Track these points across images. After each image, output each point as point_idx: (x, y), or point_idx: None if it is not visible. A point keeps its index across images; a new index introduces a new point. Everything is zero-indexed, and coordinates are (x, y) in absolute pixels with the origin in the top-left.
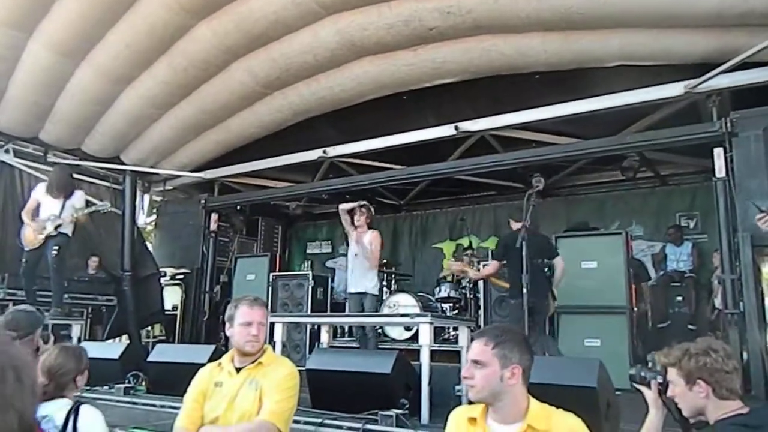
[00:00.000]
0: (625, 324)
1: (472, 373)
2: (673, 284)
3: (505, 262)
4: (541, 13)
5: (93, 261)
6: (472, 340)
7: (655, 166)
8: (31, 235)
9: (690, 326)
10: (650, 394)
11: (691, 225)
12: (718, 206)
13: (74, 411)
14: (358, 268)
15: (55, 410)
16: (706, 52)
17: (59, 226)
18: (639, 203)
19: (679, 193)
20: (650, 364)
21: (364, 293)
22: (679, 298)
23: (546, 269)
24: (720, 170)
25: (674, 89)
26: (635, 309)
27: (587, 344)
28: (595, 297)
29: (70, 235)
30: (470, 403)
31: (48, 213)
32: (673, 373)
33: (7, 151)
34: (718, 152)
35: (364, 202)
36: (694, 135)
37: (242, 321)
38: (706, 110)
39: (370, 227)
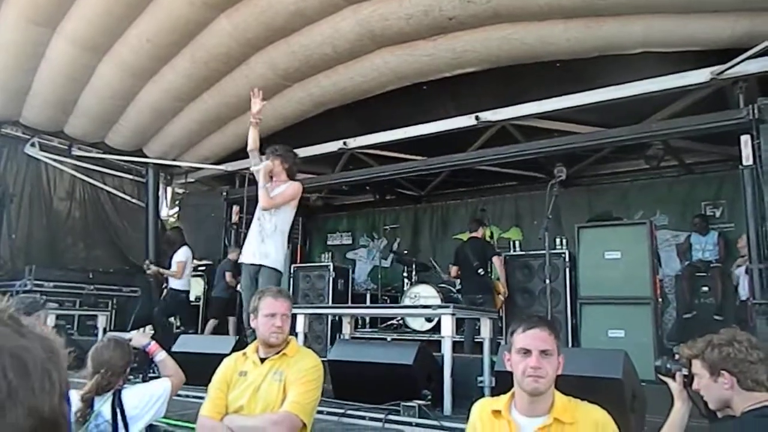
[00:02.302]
0: (650, 315)
1: (542, 364)
2: (698, 274)
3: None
4: (561, 1)
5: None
6: (527, 329)
7: (679, 154)
8: None
9: (716, 317)
10: (675, 386)
11: (717, 214)
12: (745, 195)
13: (118, 400)
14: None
15: (102, 404)
16: (732, 37)
17: None
18: (664, 192)
19: (704, 181)
20: (676, 356)
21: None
22: (705, 289)
23: (480, 270)
24: (747, 158)
25: (700, 76)
26: (660, 300)
27: (611, 335)
28: (618, 288)
29: None
30: (493, 394)
31: None
32: (697, 365)
33: (33, 145)
34: (745, 140)
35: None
36: (721, 122)
37: (267, 312)
38: (733, 97)
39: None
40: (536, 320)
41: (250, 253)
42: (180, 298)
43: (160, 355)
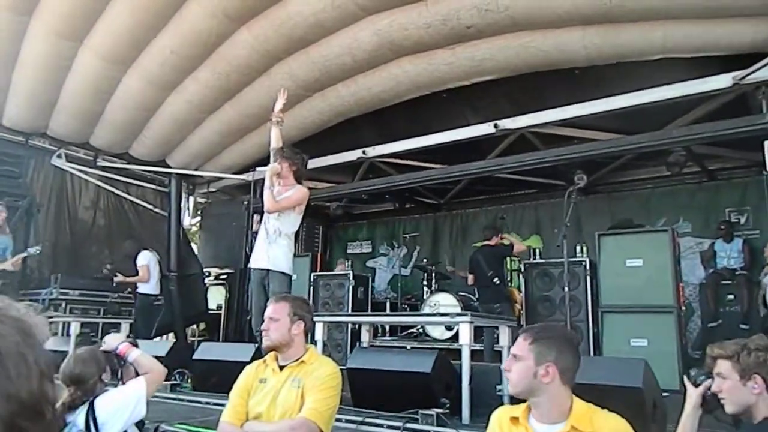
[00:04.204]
0: (673, 324)
1: (510, 366)
2: (723, 282)
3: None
4: (580, 9)
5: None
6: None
7: (702, 160)
8: None
9: (742, 326)
10: (695, 394)
11: (742, 221)
12: None
13: (90, 408)
14: None
15: (77, 415)
16: (755, 42)
17: None
18: (686, 199)
19: (728, 188)
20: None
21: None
22: (730, 297)
23: (495, 279)
24: None
25: (722, 81)
26: (683, 308)
27: (634, 344)
28: (640, 296)
29: None
30: (513, 402)
31: None
32: (725, 366)
33: (59, 156)
34: None
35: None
36: (743, 128)
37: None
38: (756, 102)
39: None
40: (527, 327)
41: (258, 258)
42: (148, 301)
43: (133, 355)
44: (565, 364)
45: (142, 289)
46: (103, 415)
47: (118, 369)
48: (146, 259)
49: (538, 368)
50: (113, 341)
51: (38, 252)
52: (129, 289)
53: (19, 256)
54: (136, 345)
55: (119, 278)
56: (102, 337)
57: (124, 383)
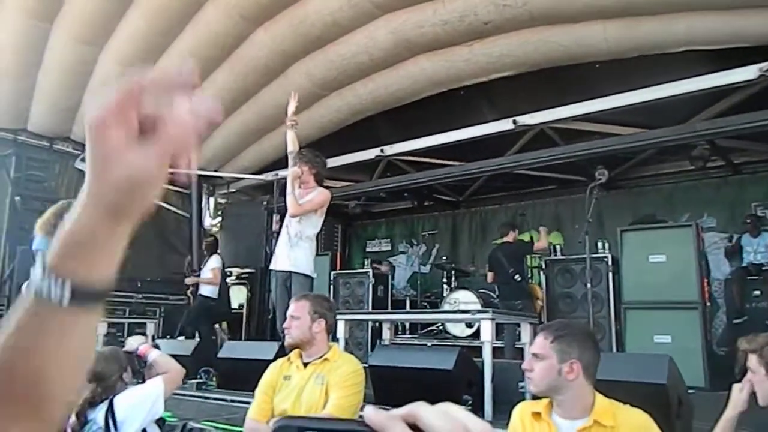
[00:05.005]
0: (698, 320)
1: (531, 366)
2: (750, 278)
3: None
4: (600, 1)
5: None
6: (536, 334)
7: (727, 154)
8: None
9: None
10: (739, 399)
11: None
12: None
13: (110, 406)
14: None
15: (97, 413)
16: None
17: None
18: (710, 194)
19: (754, 181)
20: None
21: None
22: (757, 293)
23: (516, 276)
24: None
25: (747, 73)
26: (708, 304)
27: (657, 341)
28: (664, 292)
29: None
30: (534, 398)
31: None
32: (753, 360)
33: (83, 160)
34: None
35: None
36: None
37: None
38: None
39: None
40: (544, 325)
41: (280, 260)
42: (208, 305)
43: (152, 355)
44: (588, 359)
45: (205, 291)
46: (122, 412)
47: (139, 369)
48: (218, 263)
49: (561, 366)
50: (134, 342)
51: None
52: (191, 290)
53: None
54: (157, 347)
55: (191, 279)
56: (128, 337)
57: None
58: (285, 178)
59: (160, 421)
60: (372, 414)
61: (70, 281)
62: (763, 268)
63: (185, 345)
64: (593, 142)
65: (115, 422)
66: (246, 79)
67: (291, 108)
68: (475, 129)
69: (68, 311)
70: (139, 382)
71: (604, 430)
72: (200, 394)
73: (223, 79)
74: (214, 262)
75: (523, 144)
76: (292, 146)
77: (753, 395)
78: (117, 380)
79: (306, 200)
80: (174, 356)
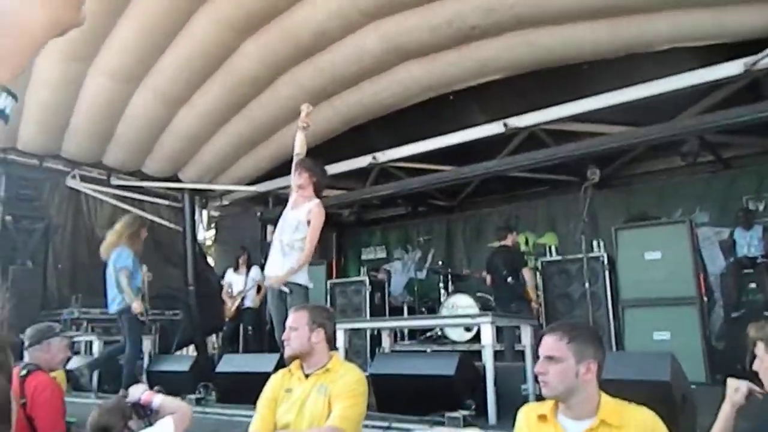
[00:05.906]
0: (696, 315)
1: (546, 369)
2: (745, 271)
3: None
4: (585, 2)
5: None
6: (542, 336)
7: (716, 149)
8: None
9: (767, 313)
10: (737, 395)
11: (761, 208)
12: None
13: None
14: None
15: None
16: (765, 27)
17: None
18: (702, 189)
19: (744, 175)
20: None
21: None
22: (753, 285)
23: (509, 279)
24: None
25: (733, 68)
26: (706, 299)
27: (656, 338)
28: (661, 288)
29: None
30: (538, 400)
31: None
32: (761, 347)
33: (73, 177)
34: None
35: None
36: (757, 114)
37: None
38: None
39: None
40: (551, 326)
41: (273, 270)
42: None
43: (156, 401)
44: (601, 358)
45: (249, 303)
46: None
47: (145, 417)
48: (260, 274)
49: (579, 367)
50: (136, 392)
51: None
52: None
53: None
54: (160, 392)
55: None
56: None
57: None
58: (278, 190)
59: None
60: None
61: None
62: (758, 261)
63: (183, 361)
64: (584, 142)
65: None
66: (236, 90)
67: (304, 111)
68: (466, 133)
69: None
70: (150, 424)
71: (611, 429)
72: (200, 409)
73: (214, 91)
74: (256, 273)
75: (514, 146)
76: (299, 149)
77: (750, 393)
78: (123, 429)
79: (309, 232)
80: (173, 372)
